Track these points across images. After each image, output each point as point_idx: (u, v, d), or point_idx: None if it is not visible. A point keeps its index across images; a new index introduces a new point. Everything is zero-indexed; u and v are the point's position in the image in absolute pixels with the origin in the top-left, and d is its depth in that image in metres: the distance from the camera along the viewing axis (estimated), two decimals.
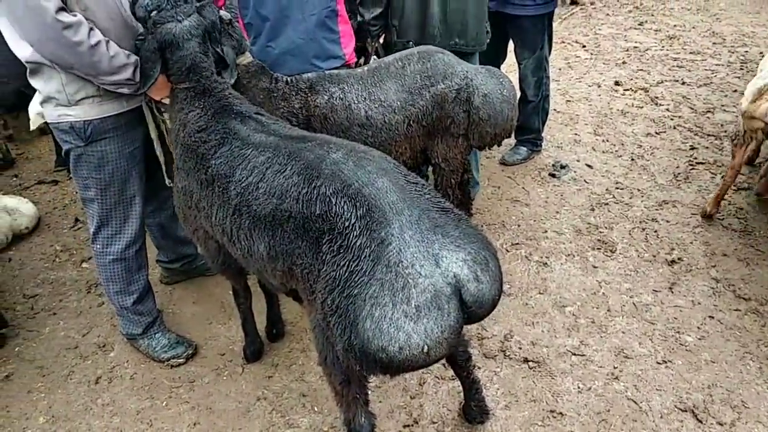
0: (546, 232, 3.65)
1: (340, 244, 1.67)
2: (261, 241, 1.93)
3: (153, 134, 2.57)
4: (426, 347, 1.54)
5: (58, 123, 2.39)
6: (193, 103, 2.22)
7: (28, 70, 2.32)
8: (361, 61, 3.55)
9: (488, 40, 3.49)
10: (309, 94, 2.72)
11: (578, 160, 4.47)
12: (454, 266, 1.61)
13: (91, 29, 2.17)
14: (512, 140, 4.60)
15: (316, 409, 2.53)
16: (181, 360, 2.80)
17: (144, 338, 2.82)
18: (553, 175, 4.28)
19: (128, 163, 2.55)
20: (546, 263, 3.37)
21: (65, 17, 2.09)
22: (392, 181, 1.77)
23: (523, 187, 4.17)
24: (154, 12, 2.21)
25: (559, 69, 6.40)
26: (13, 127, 5.34)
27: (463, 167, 3.15)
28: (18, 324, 3.10)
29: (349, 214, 1.68)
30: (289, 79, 2.73)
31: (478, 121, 2.92)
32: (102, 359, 2.85)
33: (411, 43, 3.26)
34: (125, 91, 2.36)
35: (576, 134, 4.90)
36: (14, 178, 4.69)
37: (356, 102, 2.74)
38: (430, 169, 3.21)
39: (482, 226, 3.73)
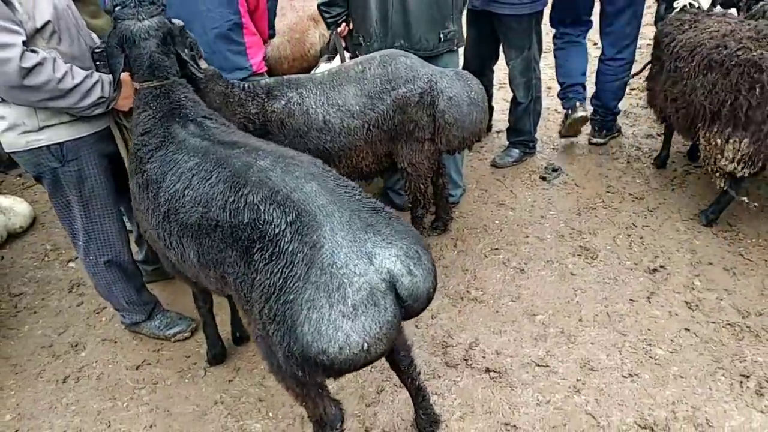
0: (528, 237, 3.58)
1: (272, 251, 1.68)
2: (190, 249, 1.95)
3: (123, 152, 2.62)
4: (366, 344, 1.56)
5: (27, 149, 2.38)
6: (149, 104, 2.26)
7: None
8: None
9: (454, 46, 3.38)
10: (266, 100, 2.73)
11: (572, 163, 4.37)
12: (387, 262, 1.63)
13: (54, 61, 2.19)
14: (505, 142, 4.54)
15: (270, 414, 2.54)
16: (187, 334, 2.96)
17: (147, 322, 2.95)
18: (543, 178, 4.19)
19: (106, 176, 2.61)
20: (523, 269, 3.30)
21: (28, 61, 2.09)
22: (321, 185, 1.79)
23: (511, 191, 4.09)
24: (118, 7, 2.27)
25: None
26: None
27: (432, 172, 3.11)
28: (0, 322, 3.21)
29: (278, 221, 1.70)
30: (245, 85, 2.75)
31: (443, 124, 2.88)
32: (73, 359, 2.93)
33: (361, 39, 3.28)
34: (99, 110, 2.40)
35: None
36: (18, 178, 4.84)
37: (314, 107, 2.74)
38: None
39: (464, 230, 3.68)
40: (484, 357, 2.75)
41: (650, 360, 2.67)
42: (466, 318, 2.99)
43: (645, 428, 2.36)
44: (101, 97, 2.33)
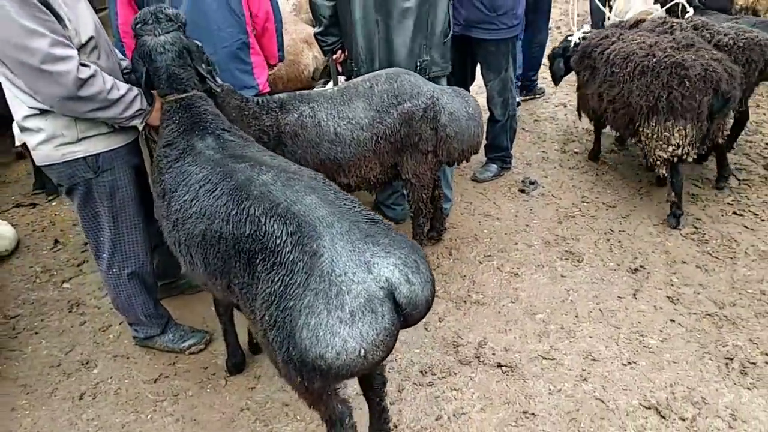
0: (517, 244, 3.81)
1: (273, 261, 1.74)
2: (198, 258, 2.03)
3: (148, 165, 2.67)
4: (363, 350, 1.59)
5: (63, 161, 2.40)
6: (173, 117, 2.34)
7: (25, 115, 2.32)
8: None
9: (428, 74, 3.49)
10: (279, 113, 2.87)
11: (546, 176, 4.67)
12: (385, 271, 1.68)
13: (101, 73, 2.28)
14: (483, 158, 4.80)
15: (298, 417, 2.61)
16: (201, 346, 2.98)
17: (161, 336, 2.96)
18: (522, 191, 4.46)
19: (135, 188, 2.66)
20: (517, 273, 3.52)
21: (83, 73, 2.18)
22: (321, 198, 1.87)
23: (495, 203, 4.33)
24: (139, 25, 2.38)
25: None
26: None
27: (433, 182, 3.30)
28: None
29: (279, 232, 1.76)
30: (260, 99, 2.88)
31: (445, 137, 3.09)
32: (85, 376, 2.89)
33: (351, 63, 3.46)
34: (137, 122, 2.46)
35: (544, 152, 5.11)
36: None
37: (325, 119, 2.90)
38: None
39: (456, 239, 3.88)
40: (494, 354, 2.92)
41: (645, 349, 2.91)
42: (471, 319, 3.16)
43: (649, 408, 2.58)
44: (140, 109, 2.40)
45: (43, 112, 2.30)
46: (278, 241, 1.75)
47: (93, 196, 2.51)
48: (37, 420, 2.65)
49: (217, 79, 2.72)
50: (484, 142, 4.71)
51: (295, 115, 2.92)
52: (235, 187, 1.95)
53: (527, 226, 4.01)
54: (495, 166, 4.70)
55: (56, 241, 4.05)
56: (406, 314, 1.71)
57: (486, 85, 4.48)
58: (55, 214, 4.45)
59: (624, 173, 4.64)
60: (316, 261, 1.67)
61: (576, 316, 3.15)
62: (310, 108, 2.94)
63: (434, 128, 3.09)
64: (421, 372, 2.82)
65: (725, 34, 3.90)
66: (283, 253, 1.72)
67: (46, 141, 2.35)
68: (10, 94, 2.31)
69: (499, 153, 4.68)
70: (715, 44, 3.83)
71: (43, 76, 2.10)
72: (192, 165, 2.14)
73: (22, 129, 2.39)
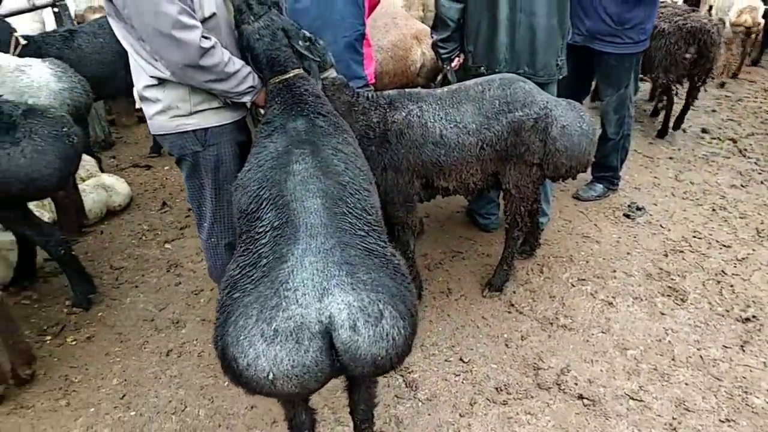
0: (615, 271, 3.59)
1: (247, 246, 1.73)
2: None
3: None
4: (272, 374, 1.49)
5: (176, 132, 2.50)
6: (275, 98, 2.34)
7: (145, 85, 2.42)
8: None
9: (562, 74, 3.45)
10: (388, 110, 2.84)
11: (655, 204, 4.38)
12: (334, 306, 1.51)
13: (221, 47, 2.35)
14: (588, 176, 4.57)
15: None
16: None
17: None
18: (627, 216, 4.21)
19: (238, 164, 2.73)
20: (612, 303, 3.31)
21: (206, 43, 2.25)
22: (326, 205, 1.75)
23: (595, 224, 4.12)
24: (236, 16, 2.43)
25: (644, 110, 6.28)
26: (116, 113, 5.81)
27: (534, 196, 3.17)
28: (103, 292, 3.36)
29: (267, 222, 1.73)
30: (369, 95, 2.87)
31: (554, 151, 2.95)
32: (174, 334, 3.05)
33: (483, 68, 3.34)
34: (247, 98, 2.51)
35: (656, 177, 4.80)
36: (112, 159, 5.08)
37: (432, 121, 2.84)
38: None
39: (549, 257, 3.72)
40: (576, 384, 2.76)
41: (747, 408, 2.65)
42: (556, 343, 3.02)
43: None
44: (251, 86, 2.46)
45: (161, 83, 2.39)
46: (260, 230, 1.72)
47: (199, 168, 2.60)
48: (126, 368, 2.83)
49: (332, 72, 2.73)
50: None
51: (403, 114, 2.88)
52: (272, 167, 1.93)
53: (628, 254, 3.77)
54: (601, 186, 4.46)
55: (164, 203, 4.31)
56: (343, 362, 1.54)
57: (602, 101, 4.26)
58: (166, 178, 4.73)
59: (745, 211, 4.26)
60: (278, 265, 1.59)
61: (672, 359, 2.92)
62: (419, 107, 2.90)
63: (543, 140, 2.96)
64: (496, 389, 2.73)
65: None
66: (258, 243, 1.69)
67: (162, 111, 2.45)
68: (134, 63, 2.43)
69: (607, 173, 4.44)
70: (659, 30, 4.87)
71: (171, 42, 2.18)
72: (272, 141, 2.12)
73: (142, 98, 2.51)
